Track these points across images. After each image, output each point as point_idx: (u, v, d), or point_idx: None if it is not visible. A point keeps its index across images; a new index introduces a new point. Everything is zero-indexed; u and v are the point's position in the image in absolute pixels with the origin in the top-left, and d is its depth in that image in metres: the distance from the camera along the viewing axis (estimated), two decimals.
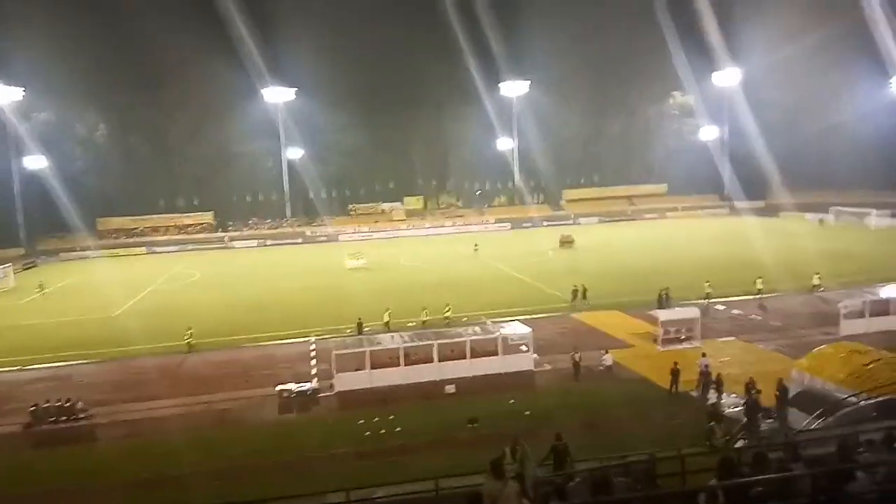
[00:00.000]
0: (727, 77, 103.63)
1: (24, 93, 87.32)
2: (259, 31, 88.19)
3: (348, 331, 36.47)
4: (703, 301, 39.99)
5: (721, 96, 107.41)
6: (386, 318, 37.54)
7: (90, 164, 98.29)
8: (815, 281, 42.81)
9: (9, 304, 54.84)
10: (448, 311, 38.84)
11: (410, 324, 37.76)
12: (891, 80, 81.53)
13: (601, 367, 29.07)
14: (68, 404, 26.01)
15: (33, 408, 25.74)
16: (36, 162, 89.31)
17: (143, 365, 34.04)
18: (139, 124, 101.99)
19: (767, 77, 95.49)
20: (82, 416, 25.94)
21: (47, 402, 26.11)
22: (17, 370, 34.30)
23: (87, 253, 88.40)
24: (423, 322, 37.82)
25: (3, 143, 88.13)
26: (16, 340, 40.60)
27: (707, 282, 41.46)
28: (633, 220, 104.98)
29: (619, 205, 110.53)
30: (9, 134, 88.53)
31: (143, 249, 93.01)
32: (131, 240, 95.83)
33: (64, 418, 25.63)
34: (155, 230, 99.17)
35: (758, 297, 41.43)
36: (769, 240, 65.75)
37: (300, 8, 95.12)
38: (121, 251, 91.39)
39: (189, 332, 36.17)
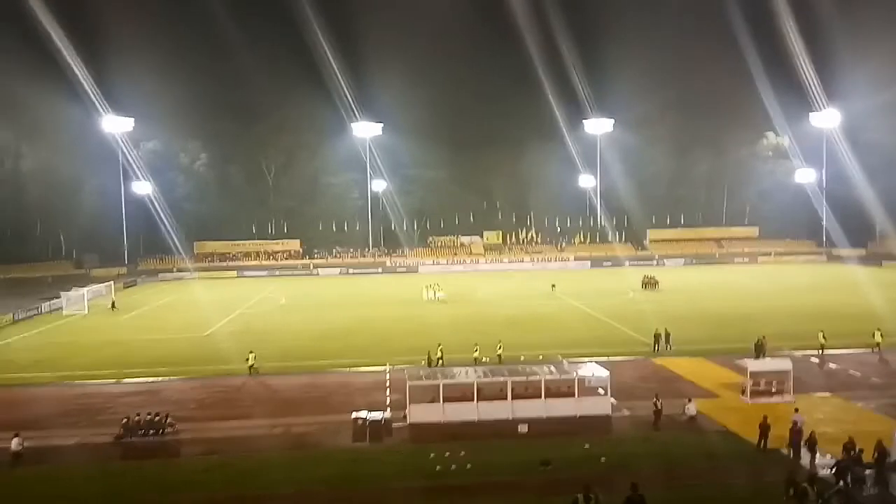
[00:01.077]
0: (825, 118, 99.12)
1: (134, 123, 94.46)
2: (349, 68, 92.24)
3: (419, 363, 36.63)
4: (816, 352, 37.96)
5: (819, 138, 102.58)
6: (438, 354, 36.75)
7: (191, 191, 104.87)
8: (877, 338, 39.23)
9: (110, 320, 58.54)
10: (500, 348, 38.22)
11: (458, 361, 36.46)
12: None
13: (684, 417, 27.84)
14: (157, 418, 27.31)
15: (125, 420, 27.16)
16: (142, 188, 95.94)
17: (229, 384, 35.39)
18: (236, 155, 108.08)
19: (869, 119, 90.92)
20: (169, 430, 27.14)
21: (138, 415, 27.50)
22: (114, 382, 36.42)
23: (184, 274, 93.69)
24: (475, 359, 37.02)
25: (114, 169, 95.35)
26: (114, 354, 43.18)
27: (822, 331, 39.08)
28: (721, 263, 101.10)
29: (707, 247, 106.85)
30: (119, 161, 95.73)
31: (235, 273, 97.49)
32: (224, 264, 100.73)
33: (152, 432, 26.90)
34: (246, 255, 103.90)
35: (865, 351, 38.71)
36: (870, 290, 61.57)
37: (389, 46, 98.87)
38: (214, 274, 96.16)
39: (251, 354, 36.86)
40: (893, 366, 36.38)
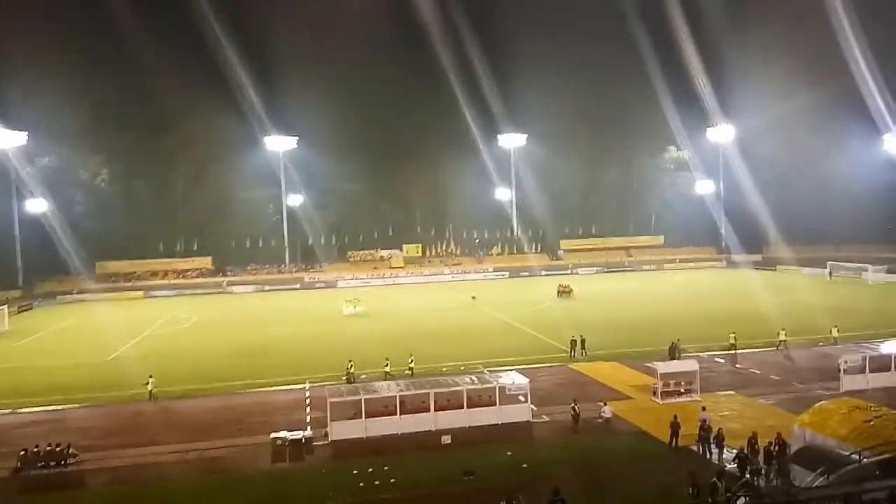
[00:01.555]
0: (721, 133, 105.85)
1: (27, 137, 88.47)
2: (262, 80, 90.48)
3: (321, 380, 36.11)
4: (730, 352, 40.09)
5: (716, 152, 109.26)
6: (350, 369, 36.25)
7: (91, 208, 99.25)
8: (835, 333, 42.56)
9: (4, 346, 54.37)
10: (412, 362, 37.87)
11: (363, 376, 36.16)
12: (883, 138, 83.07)
13: (600, 420, 28.72)
14: (59, 449, 25.54)
15: (23, 452, 25.26)
16: (37, 205, 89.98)
17: (138, 410, 33.58)
18: (141, 170, 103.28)
19: (762, 134, 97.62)
20: (72, 461, 25.43)
21: (37, 446, 25.64)
22: (9, 413, 33.79)
23: (85, 296, 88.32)
24: (385, 374, 36.20)
25: (5, 186, 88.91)
26: (9, 383, 40.09)
27: (733, 333, 41.21)
28: (630, 270, 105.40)
29: (617, 256, 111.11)
30: (11, 178, 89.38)
31: (141, 293, 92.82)
32: (129, 284, 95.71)
33: (53, 463, 25.13)
34: (153, 274, 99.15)
35: (765, 350, 41.27)
36: (766, 293, 65.90)
37: (302, 59, 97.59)
38: (119, 295, 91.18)
39: (150, 379, 35.04)
40: (792, 363, 38.95)
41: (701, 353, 39.38)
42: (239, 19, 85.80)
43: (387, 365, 37.15)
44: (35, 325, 66.04)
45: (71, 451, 25.72)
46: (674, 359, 37.22)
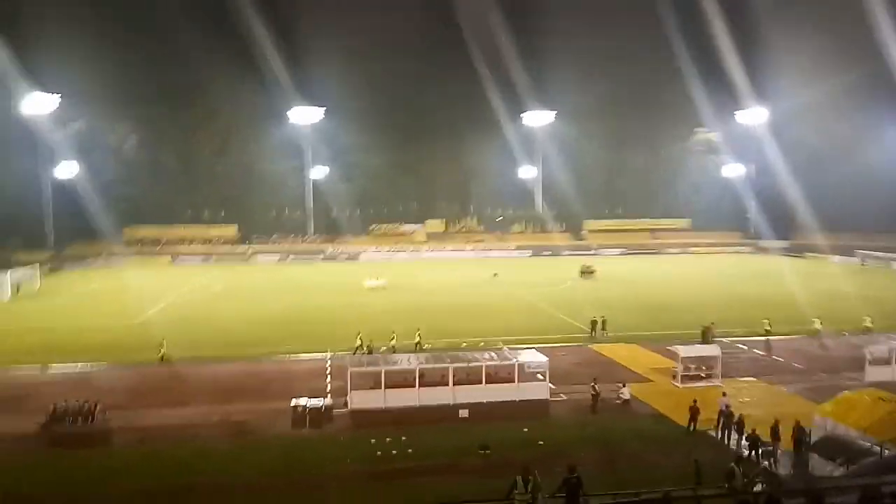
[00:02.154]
0: (753, 116, 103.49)
1: (59, 101, 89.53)
2: (288, 52, 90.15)
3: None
4: (762, 338, 39.86)
5: (747, 135, 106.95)
6: (358, 342, 36.45)
7: (120, 173, 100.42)
8: (868, 323, 41.94)
9: (34, 306, 55.79)
10: (419, 336, 37.65)
11: (383, 348, 36.36)
12: None
13: (618, 401, 28.71)
14: (87, 406, 26.24)
15: (52, 408, 26.00)
16: (68, 169, 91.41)
17: (163, 372, 34.35)
18: (168, 137, 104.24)
19: (794, 118, 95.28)
20: (100, 417, 26.13)
21: (65, 402, 26.37)
22: (39, 370, 34.79)
23: (113, 260, 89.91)
24: (392, 348, 36.39)
25: (37, 149, 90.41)
26: (39, 341, 41.21)
27: (766, 319, 40.96)
28: (655, 253, 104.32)
29: (642, 237, 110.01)
30: (43, 141, 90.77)
31: (168, 259, 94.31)
32: (157, 248, 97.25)
33: (81, 419, 25.84)
34: (180, 241, 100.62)
35: (783, 338, 40.82)
36: (794, 279, 64.86)
37: (330, 31, 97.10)
38: (146, 259, 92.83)
39: (163, 342, 35.82)
40: (825, 352, 38.41)
41: (723, 339, 39.06)
42: None
43: (392, 339, 37.40)
44: (65, 287, 67.69)
45: (99, 408, 26.41)
46: (707, 343, 37.18)
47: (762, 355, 37.55)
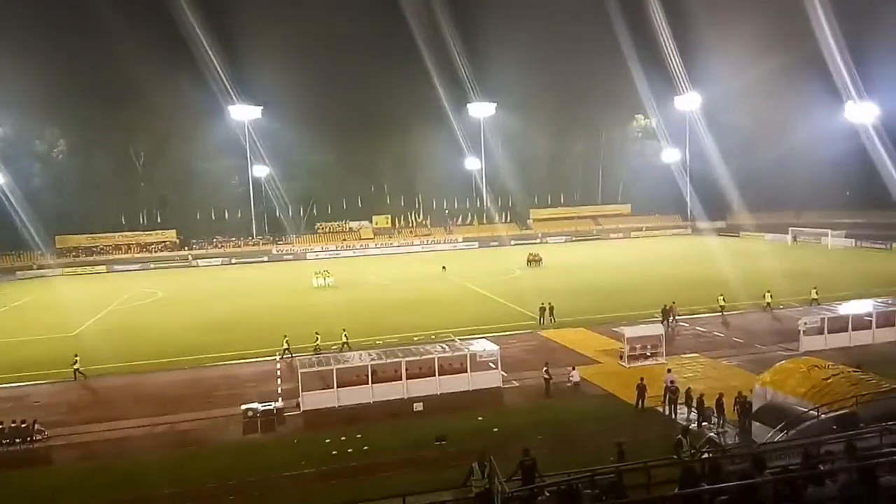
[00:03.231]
0: (688, 101, 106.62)
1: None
2: (225, 48, 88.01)
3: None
4: (718, 314, 41.77)
5: (682, 120, 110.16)
6: (284, 345, 36.14)
7: (49, 181, 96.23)
8: (769, 298, 43.76)
9: None
10: (345, 336, 37.01)
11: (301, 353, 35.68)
12: (844, 105, 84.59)
13: (568, 384, 29.21)
14: (24, 425, 25.09)
15: None
16: None
17: (104, 384, 33.15)
18: (101, 141, 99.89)
19: (726, 102, 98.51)
20: (38, 437, 25.03)
21: (1, 423, 25.16)
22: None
23: (45, 272, 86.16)
24: (316, 348, 36.05)
25: None
26: None
27: (721, 295, 42.67)
28: (598, 239, 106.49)
29: (585, 224, 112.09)
30: None
31: (104, 268, 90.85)
32: (91, 258, 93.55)
33: (19, 440, 24.70)
34: (116, 248, 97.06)
35: (721, 314, 42.30)
36: (731, 259, 67.32)
37: (267, 26, 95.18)
38: (80, 270, 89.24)
39: (76, 358, 34.14)
40: (739, 327, 39.94)
41: (683, 317, 40.12)
42: None
43: (316, 339, 37.08)
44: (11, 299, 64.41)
45: (37, 427, 25.31)
46: (667, 322, 38.24)
47: (703, 331, 38.83)
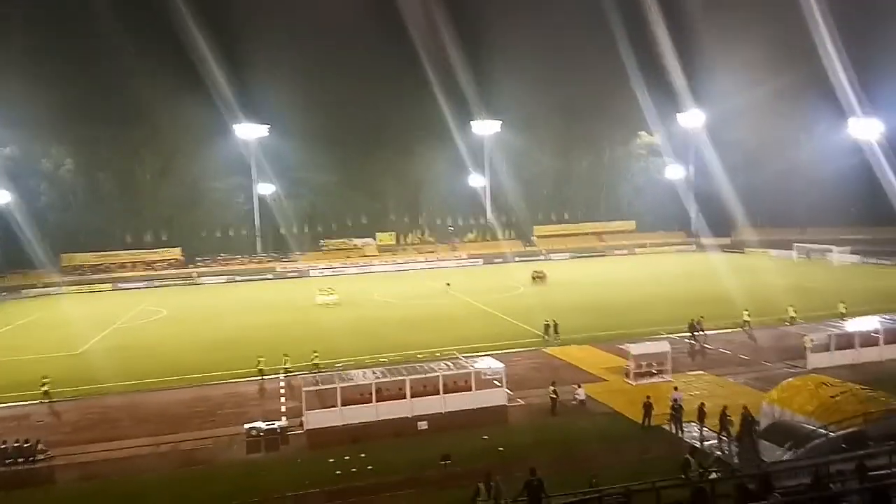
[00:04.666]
0: (692, 118, 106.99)
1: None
2: (231, 68, 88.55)
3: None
4: (740, 329, 41.98)
5: (686, 137, 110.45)
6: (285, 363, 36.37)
7: (55, 199, 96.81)
8: (792, 313, 43.64)
9: None
10: (315, 358, 36.77)
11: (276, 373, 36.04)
12: (847, 122, 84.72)
13: (574, 402, 29.01)
14: (27, 445, 24.99)
15: None
16: None
17: (108, 403, 33.03)
18: (107, 160, 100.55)
19: (730, 119, 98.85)
20: (41, 457, 24.91)
21: (4, 442, 25.07)
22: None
23: (51, 289, 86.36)
24: (286, 370, 36.07)
25: None
26: None
27: (746, 310, 42.77)
28: (603, 255, 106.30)
29: (590, 241, 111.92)
30: None
31: (109, 286, 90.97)
32: (97, 276, 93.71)
33: (21, 459, 24.59)
34: (121, 266, 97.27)
35: (743, 329, 42.11)
36: (738, 275, 67.01)
37: (272, 46, 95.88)
38: (86, 287, 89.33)
39: (45, 380, 33.68)
40: (758, 343, 39.73)
41: (672, 335, 39.95)
42: (209, 7, 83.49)
43: (285, 361, 36.93)
44: (0, 319, 64.47)
45: (40, 446, 25.20)
46: (694, 336, 38.51)
47: (710, 348, 38.57)
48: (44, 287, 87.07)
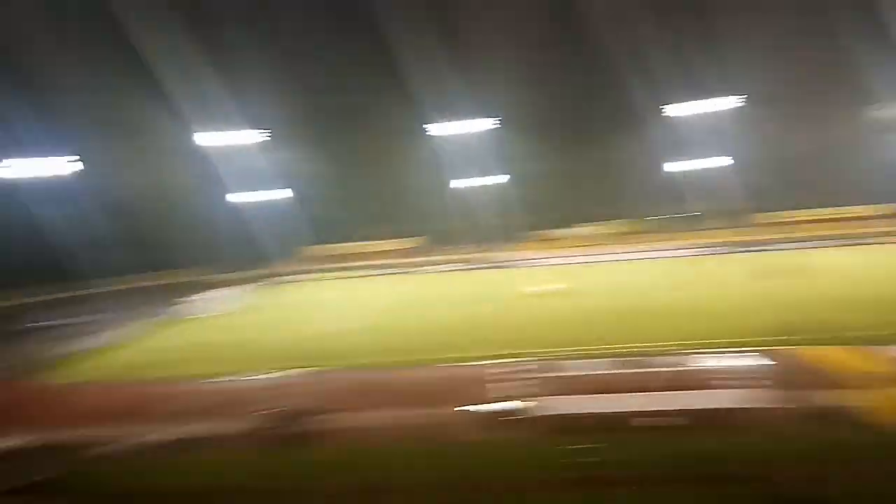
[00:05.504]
0: None
1: (268, 136, 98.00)
2: (458, 65, 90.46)
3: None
4: None
5: None
6: None
7: (316, 195, 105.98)
8: None
9: (251, 318, 61.55)
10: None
11: None
12: None
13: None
14: (296, 410, 27.60)
15: (264, 412, 27.70)
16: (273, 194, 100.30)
17: (363, 377, 35.65)
18: (339, 158, 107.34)
19: None
20: (304, 421, 27.30)
21: (281, 408, 27.92)
22: (266, 376, 37.25)
23: (299, 276, 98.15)
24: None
25: (251, 177, 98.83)
26: (255, 351, 44.45)
27: None
28: (861, 244, 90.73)
29: (847, 227, 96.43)
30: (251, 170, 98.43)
31: (349, 274, 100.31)
32: (339, 265, 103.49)
33: (293, 423, 27.20)
34: (360, 256, 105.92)
35: None
36: None
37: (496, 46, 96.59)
38: (328, 276, 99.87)
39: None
40: None
41: None
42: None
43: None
44: (270, 301, 74.00)
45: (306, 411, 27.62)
46: None
47: None
48: (294, 274, 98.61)
